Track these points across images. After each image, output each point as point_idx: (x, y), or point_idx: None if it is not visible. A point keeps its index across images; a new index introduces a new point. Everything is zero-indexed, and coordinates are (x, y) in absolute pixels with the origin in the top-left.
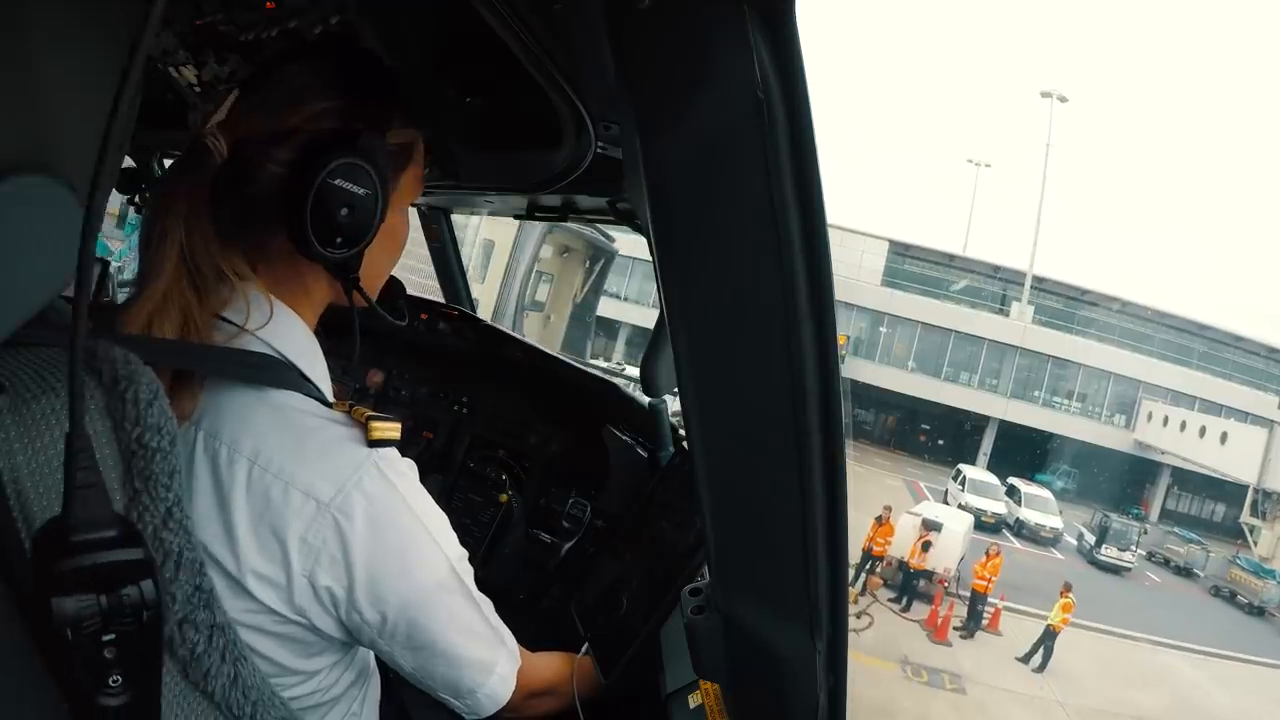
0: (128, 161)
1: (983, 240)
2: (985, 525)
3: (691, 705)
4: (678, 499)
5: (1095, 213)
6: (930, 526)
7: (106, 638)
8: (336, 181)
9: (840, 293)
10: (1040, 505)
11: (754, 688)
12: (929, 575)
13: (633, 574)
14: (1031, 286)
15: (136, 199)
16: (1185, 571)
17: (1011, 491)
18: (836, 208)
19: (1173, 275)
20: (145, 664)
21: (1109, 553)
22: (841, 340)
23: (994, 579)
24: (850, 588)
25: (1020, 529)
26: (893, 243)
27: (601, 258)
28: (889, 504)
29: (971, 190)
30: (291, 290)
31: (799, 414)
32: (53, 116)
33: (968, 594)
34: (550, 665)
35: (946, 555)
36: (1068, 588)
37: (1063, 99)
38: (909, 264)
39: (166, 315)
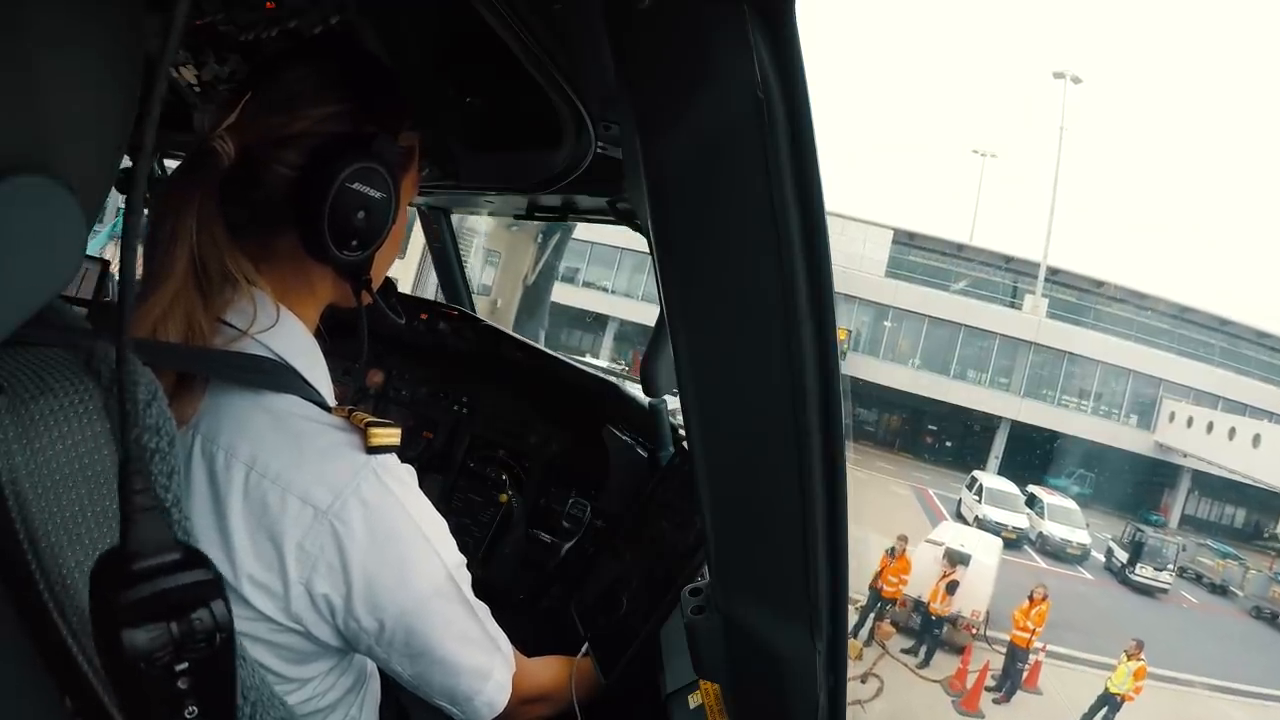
0: (127, 161)
1: (992, 231)
2: (1005, 541)
3: (691, 705)
4: (678, 499)
5: (1110, 202)
6: (955, 559)
7: (179, 667)
8: (354, 185)
9: (841, 285)
10: (1064, 517)
11: (754, 688)
12: (954, 620)
13: (633, 574)
14: (1045, 279)
15: None
16: (1221, 590)
17: (1032, 501)
18: (837, 195)
19: (1192, 268)
20: (220, 690)
21: (1144, 573)
22: (842, 335)
23: (1039, 630)
24: (852, 639)
25: (1043, 545)
26: (897, 231)
27: (556, 231)
28: (904, 533)
29: (977, 182)
30: (297, 291)
31: (799, 414)
32: (52, 116)
33: (999, 636)
34: (546, 671)
35: (976, 595)
36: (1139, 647)
37: (1076, 80)
38: (914, 255)
39: (172, 318)
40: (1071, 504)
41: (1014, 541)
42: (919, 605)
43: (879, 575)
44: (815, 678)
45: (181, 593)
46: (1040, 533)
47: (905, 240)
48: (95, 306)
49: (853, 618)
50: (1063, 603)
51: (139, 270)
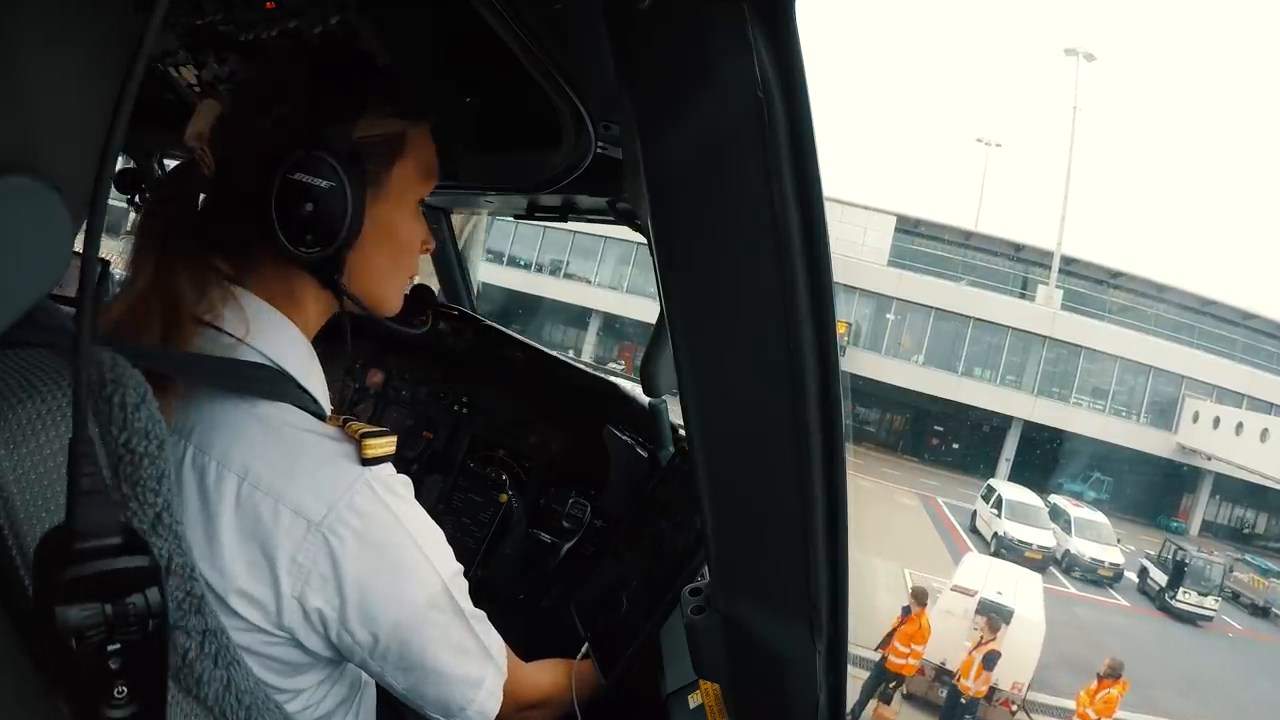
0: (129, 163)
1: (1000, 220)
2: (1027, 563)
3: (691, 705)
4: (678, 499)
5: (1126, 188)
6: (993, 614)
7: (111, 647)
8: (295, 175)
9: (841, 274)
10: (1093, 533)
11: (754, 688)
12: (990, 697)
13: (633, 574)
14: (1059, 269)
15: (137, 199)
16: (1263, 612)
17: (1055, 514)
18: (837, 181)
19: (1214, 258)
20: (151, 674)
21: (1187, 599)
22: (841, 329)
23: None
24: None
25: (1071, 565)
26: (900, 218)
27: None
28: (921, 574)
29: (982, 171)
30: (284, 300)
31: (799, 413)
32: (39, 117)
33: (1042, 700)
34: (544, 675)
35: (1020, 663)
36: None
37: (1089, 57)
38: (919, 243)
39: (147, 317)
40: (1100, 517)
41: (1039, 563)
42: (942, 674)
43: (888, 644)
44: (815, 678)
45: (118, 576)
46: (1067, 551)
47: (909, 228)
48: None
49: (853, 693)
50: (1104, 641)
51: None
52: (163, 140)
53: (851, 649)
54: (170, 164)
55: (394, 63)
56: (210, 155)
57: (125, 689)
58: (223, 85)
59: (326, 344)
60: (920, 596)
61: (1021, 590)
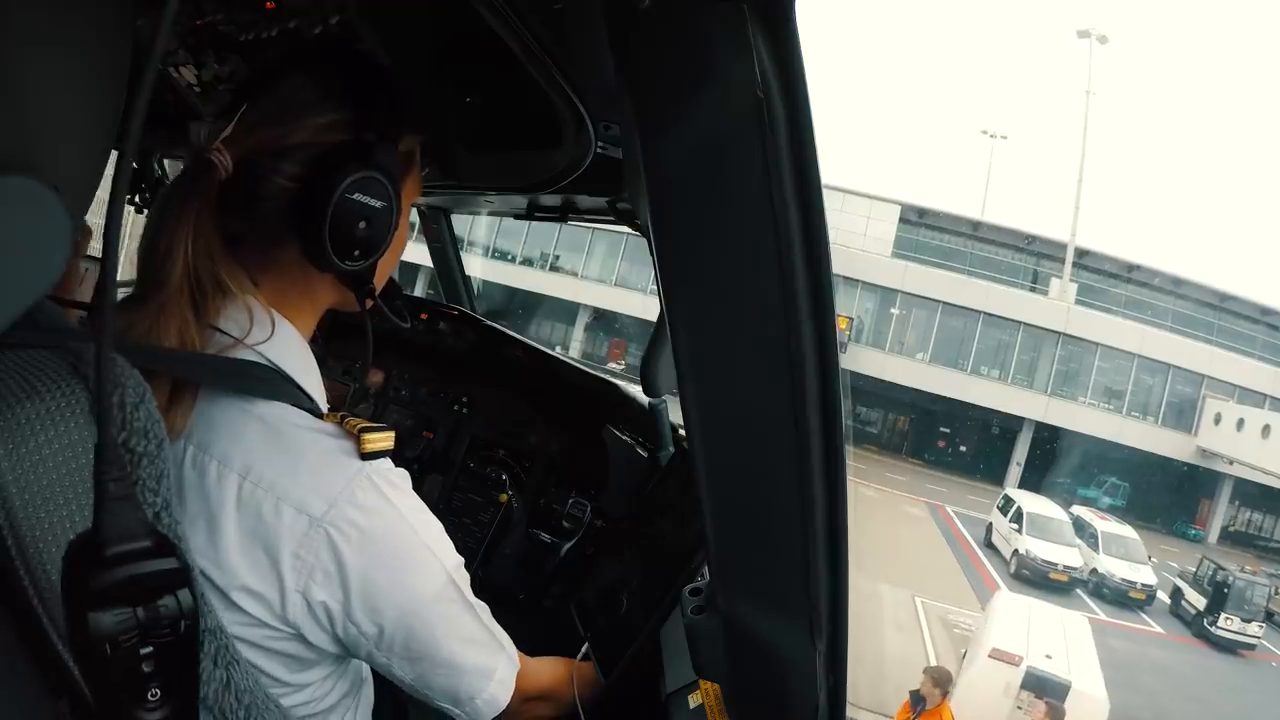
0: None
1: (1009, 209)
2: (1052, 585)
3: (691, 705)
4: (678, 499)
5: (1141, 178)
6: (1049, 697)
7: (144, 650)
8: (354, 196)
9: (842, 266)
10: (1123, 549)
11: (754, 688)
12: None
13: (633, 574)
14: (1073, 261)
15: (137, 199)
16: None
17: (1080, 528)
18: (838, 169)
19: (1231, 250)
20: (183, 675)
21: (1229, 625)
22: (842, 324)
23: None
24: None
25: (1100, 586)
26: (905, 207)
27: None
28: (941, 662)
29: (987, 163)
30: (297, 299)
31: (799, 414)
32: (36, 117)
33: None
34: (547, 670)
35: None
36: None
37: (1103, 39)
38: (924, 233)
39: (165, 329)
40: (1129, 531)
41: (1064, 585)
42: None
43: None
44: (815, 678)
45: (149, 579)
46: (1094, 570)
47: (914, 218)
48: (93, 307)
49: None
50: (1145, 679)
51: (128, 274)
52: (163, 140)
53: (854, 713)
54: (169, 164)
55: (394, 63)
56: (229, 159)
57: (158, 690)
58: (225, 85)
59: (329, 343)
60: (941, 681)
61: (1073, 648)
